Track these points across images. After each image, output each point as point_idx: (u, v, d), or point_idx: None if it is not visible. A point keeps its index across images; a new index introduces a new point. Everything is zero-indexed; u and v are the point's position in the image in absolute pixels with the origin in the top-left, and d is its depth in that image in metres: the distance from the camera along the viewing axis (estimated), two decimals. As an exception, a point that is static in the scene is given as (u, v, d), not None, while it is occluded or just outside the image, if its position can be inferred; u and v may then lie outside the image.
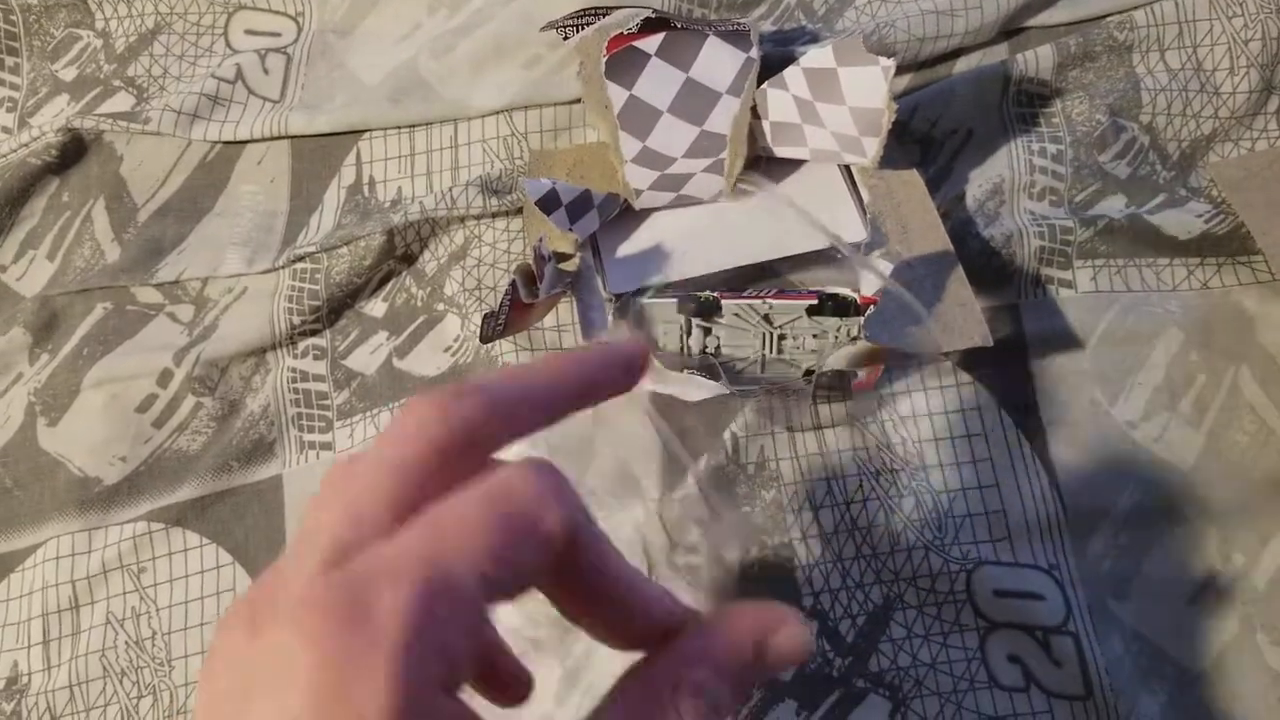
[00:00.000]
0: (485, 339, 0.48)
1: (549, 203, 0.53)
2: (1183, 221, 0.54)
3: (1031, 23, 0.60)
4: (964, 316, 0.49)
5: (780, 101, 0.53)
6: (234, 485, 0.55)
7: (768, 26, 0.62)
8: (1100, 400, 0.52)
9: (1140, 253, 0.54)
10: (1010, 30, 0.60)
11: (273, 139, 0.63)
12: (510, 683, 0.25)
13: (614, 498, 0.52)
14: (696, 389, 0.49)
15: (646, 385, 0.50)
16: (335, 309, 0.58)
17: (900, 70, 0.59)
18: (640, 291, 0.54)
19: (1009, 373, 0.53)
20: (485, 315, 0.47)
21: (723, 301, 0.53)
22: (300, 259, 0.58)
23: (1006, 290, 0.54)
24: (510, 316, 0.49)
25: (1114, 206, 0.56)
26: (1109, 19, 0.58)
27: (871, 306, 0.48)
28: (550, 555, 0.20)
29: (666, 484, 0.52)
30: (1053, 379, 0.53)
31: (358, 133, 0.62)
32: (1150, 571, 0.48)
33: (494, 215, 0.59)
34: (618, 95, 0.56)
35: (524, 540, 0.19)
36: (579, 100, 0.60)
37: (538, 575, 0.20)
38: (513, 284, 0.48)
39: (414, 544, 0.18)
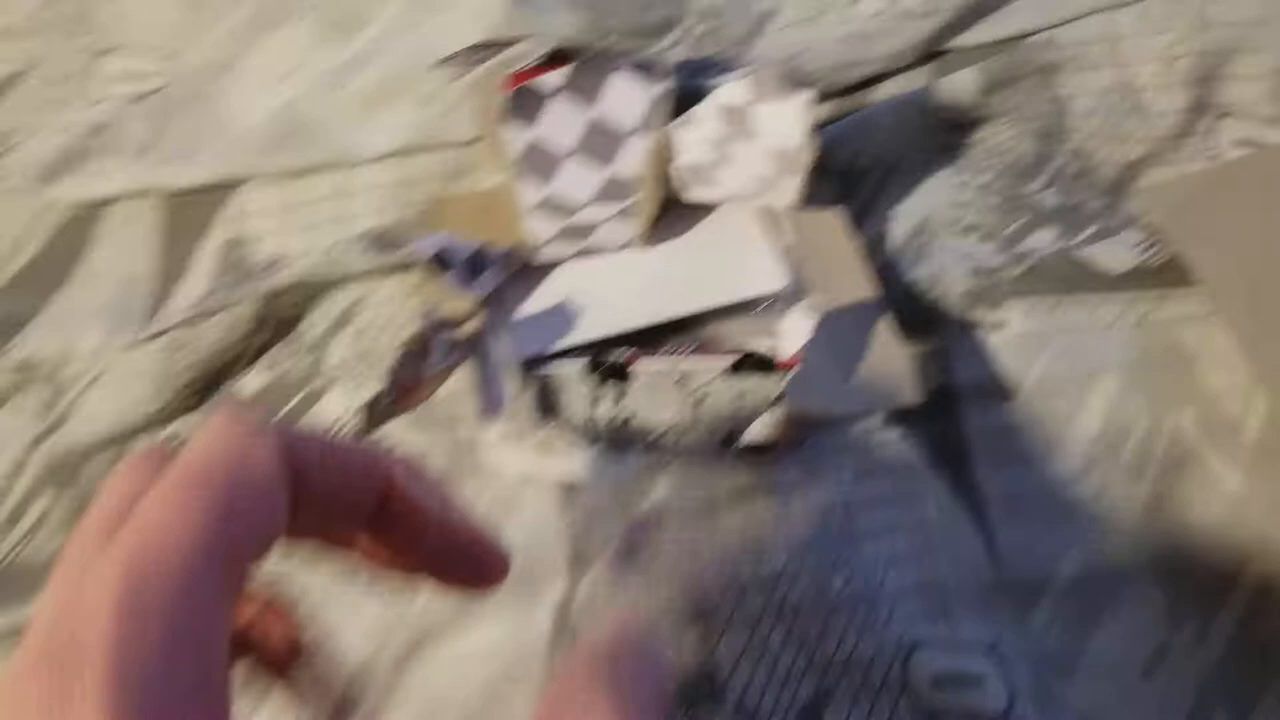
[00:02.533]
0: (370, 427, 0.43)
1: (442, 260, 0.48)
2: (1116, 254, 0.51)
3: (954, 43, 0.56)
4: (893, 371, 0.46)
5: (691, 141, 0.49)
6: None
7: (677, 56, 0.57)
8: (1036, 454, 0.49)
9: (1073, 288, 0.51)
10: (932, 53, 0.56)
11: (139, 194, 0.57)
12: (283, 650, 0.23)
13: (515, 596, 0.47)
14: (605, 469, 0.44)
15: (552, 469, 0.46)
16: (207, 385, 0.53)
17: (819, 99, 0.55)
18: (545, 357, 0.50)
19: (939, 426, 0.49)
20: (368, 402, 0.42)
21: (633, 365, 0.49)
22: (166, 332, 0.53)
23: (934, 335, 0.50)
24: (398, 397, 0.44)
25: (1044, 240, 0.52)
26: (1033, 39, 0.55)
27: (793, 370, 0.44)
28: (279, 509, 0.19)
29: (575, 573, 0.48)
30: (986, 431, 0.49)
31: (233, 184, 0.56)
32: (1098, 645, 0.45)
33: (385, 273, 0.53)
34: (517, 138, 0.51)
35: (231, 510, 0.18)
36: (478, 139, 0.55)
37: (276, 527, 0.19)
38: (399, 359, 0.43)
39: (114, 555, 0.17)
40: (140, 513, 0.18)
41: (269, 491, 0.19)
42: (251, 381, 0.53)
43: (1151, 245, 0.51)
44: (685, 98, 0.52)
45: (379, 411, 0.43)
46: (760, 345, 0.49)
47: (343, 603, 0.47)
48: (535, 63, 0.51)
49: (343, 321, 0.53)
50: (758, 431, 0.45)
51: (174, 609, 0.16)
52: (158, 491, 0.18)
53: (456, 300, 0.49)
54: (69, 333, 0.54)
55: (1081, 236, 0.52)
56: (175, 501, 0.18)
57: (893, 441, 0.49)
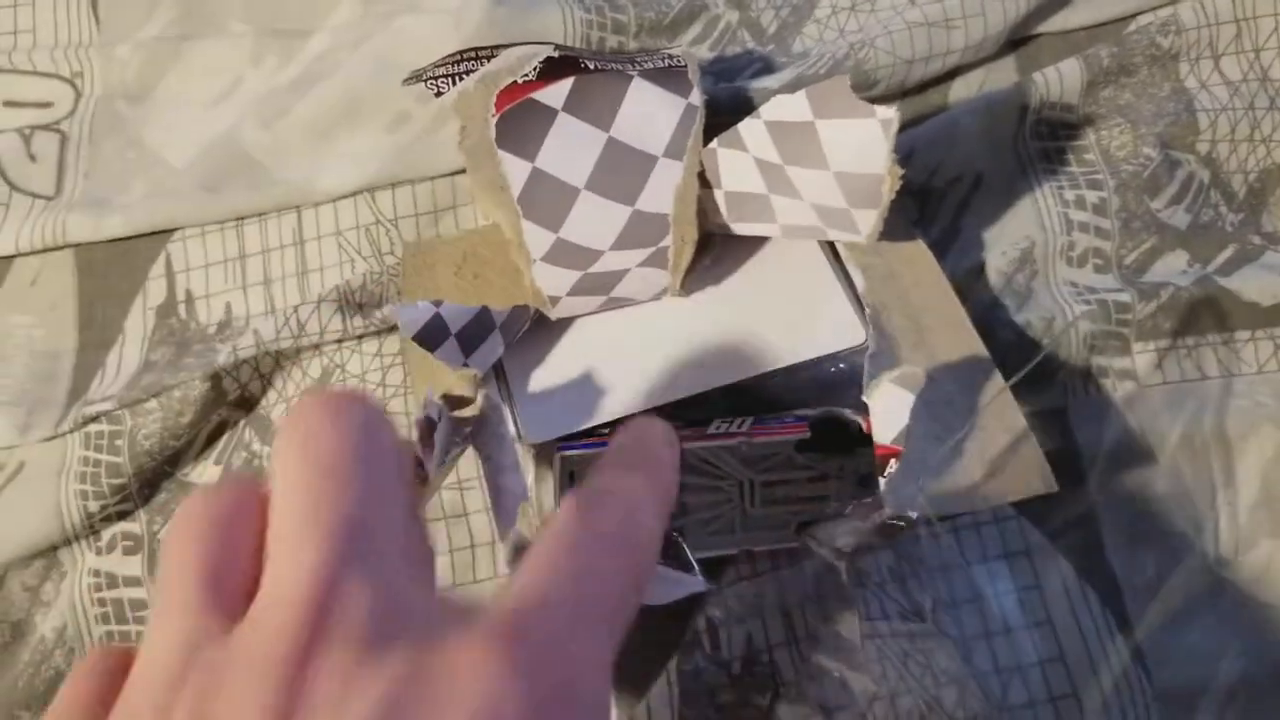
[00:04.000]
0: None
1: (433, 333, 0.40)
2: (1263, 281, 0.45)
3: (1043, 28, 0.49)
4: (1014, 450, 0.39)
5: (737, 165, 0.41)
6: (28, 743, 0.43)
7: (705, 53, 0.50)
8: (1184, 530, 0.42)
9: (1215, 326, 0.45)
10: (1016, 40, 0.49)
11: (49, 250, 0.49)
12: None
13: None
14: (661, 586, 0.37)
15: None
16: (149, 481, 0.46)
17: (882, 100, 0.47)
18: (568, 439, 0.42)
19: (1063, 500, 0.43)
20: None
21: (682, 445, 0.41)
22: (93, 419, 0.45)
23: (1049, 391, 0.44)
24: None
25: (1174, 267, 0.46)
26: (1145, 20, 0.48)
27: (890, 464, 0.36)
28: None
29: (623, 697, 0.41)
30: (1120, 505, 0.43)
31: (166, 233, 0.49)
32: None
33: (360, 337, 0.45)
34: (516, 171, 0.43)
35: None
36: (465, 170, 0.47)
37: None
38: None
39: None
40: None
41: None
42: (205, 475, 0.46)
43: (1305, 268, 0.44)
44: (721, 105, 0.45)
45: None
46: (837, 410, 0.42)
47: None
48: (531, 74, 0.43)
49: (316, 395, 0.45)
50: (850, 539, 0.37)
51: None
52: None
53: (453, 377, 0.40)
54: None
55: (1218, 261, 0.46)
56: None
57: (1006, 518, 0.43)
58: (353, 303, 0.46)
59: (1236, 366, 0.44)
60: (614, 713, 0.41)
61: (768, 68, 0.49)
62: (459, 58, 0.45)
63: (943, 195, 0.47)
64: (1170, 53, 0.47)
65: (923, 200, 0.47)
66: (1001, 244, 0.46)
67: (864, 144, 0.38)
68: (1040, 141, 0.47)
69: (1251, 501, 0.43)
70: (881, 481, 0.39)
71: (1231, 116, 0.47)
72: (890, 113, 0.37)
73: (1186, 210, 0.46)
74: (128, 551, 0.45)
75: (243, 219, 0.49)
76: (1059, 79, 0.47)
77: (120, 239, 0.49)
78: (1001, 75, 0.49)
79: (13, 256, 0.49)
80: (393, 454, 0.20)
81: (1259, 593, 0.42)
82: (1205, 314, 0.44)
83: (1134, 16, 0.49)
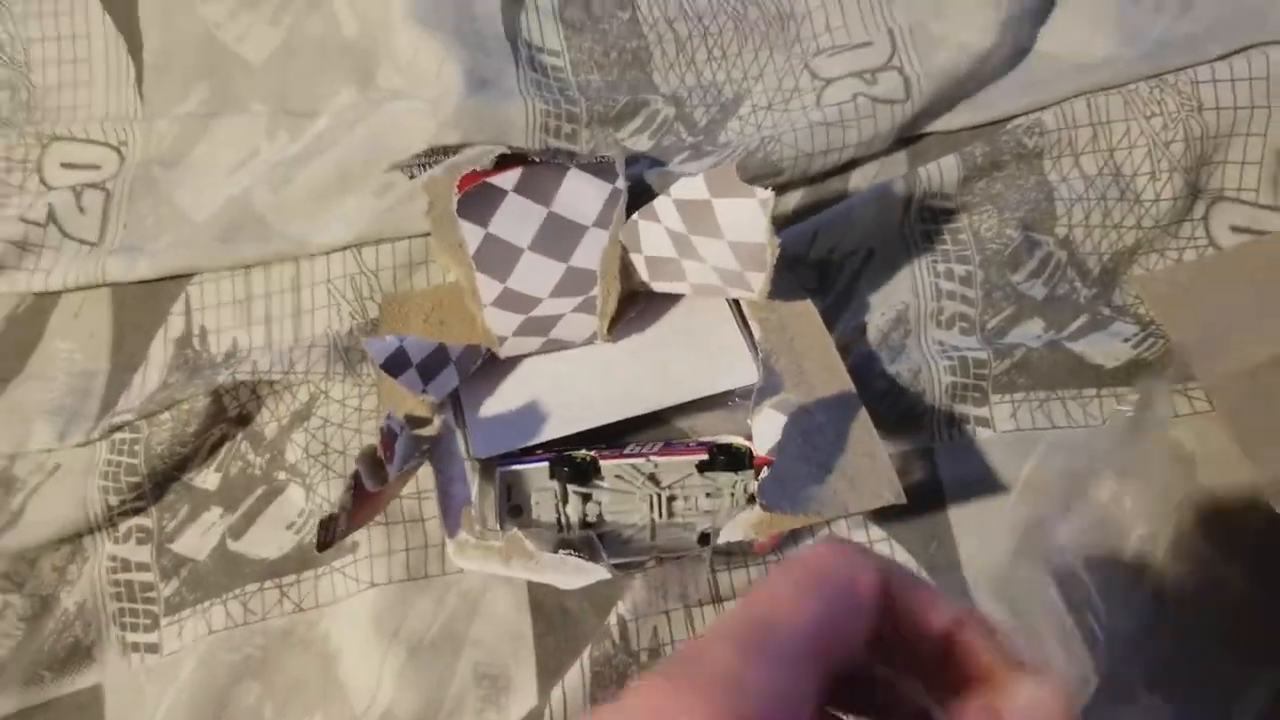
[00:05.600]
0: (323, 546, 0.45)
1: (397, 363, 0.52)
2: (1108, 346, 0.54)
3: (930, 128, 0.60)
4: (872, 470, 0.49)
5: (653, 234, 0.52)
6: (48, 698, 0.53)
7: (645, 141, 0.61)
8: (1027, 553, 0.51)
9: (1063, 383, 0.54)
10: (908, 137, 0.60)
11: (91, 287, 0.61)
12: None
13: (482, 703, 0.51)
14: (574, 574, 0.47)
15: (518, 573, 0.48)
16: (160, 483, 0.57)
17: (789, 187, 0.59)
18: (506, 457, 0.52)
19: (927, 527, 0.52)
20: (321, 521, 0.45)
21: (601, 462, 0.52)
22: (118, 428, 0.56)
23: (918, 433, 0.54)
24: (354, 511, 0.47)
25: (1030, 332, 0.55)
26: (1015, 123, 0.59)
27: (765, 468, 0.47)
28: (870, 616, 0.24)
29: (544, 682, 0.50)
30: (976, 532, 0.52)
31: (186, 276, 0.61)
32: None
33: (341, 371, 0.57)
34: (472, 234, 0.55)
35: (841, 605, 0.23)
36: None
37: (860, 637, 0.24)
38: (355, 476, 0.46)
39: (741, 608, 0.23)
40: (763, 588, 0.24)
41: (864, 612, 0.24)
42: (208, 479, 0.57)
43: (1145, 338, 0.54)
44: (645, 190, 0.56)
45: (331, 535, 0.46)
46: (733, 439, 0.52)
47: None
48: (488, 165, 0.55)
49: (300, 417, 0.56)
50: (732, 533, 0.47)
51: (777, 663, 0.22)
52: (780, 580, 0.24)
53: (414, 401, 0.51)
54: (19, 430, 0.58)
55: (1071, 328, 0.56)
56: (793, 595, 0.23)
57: (877, 540, 0.52)
58: (339, 348, 0.57)
59: (1082, 418, 0.54)
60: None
61: (696, 155, 0.60)
62: (429, 153, 0.57)
63: (840, 267, 0.57)
64: (1035, 151, 0.58)
65: (823, 271, 0.57)
66: (882, 307, 0.56)
67: (749, 219, 0.49)
68: (923, 224, 0.58)
69: (1088, 537, 0.51)
70: (755, 484, 0.49)
71: (1086, 205, 0.57)
72: (766, 193, 0.48)
73: (1044, 284, 0.57)
74: (140, 541, 0.55)
75: (249, 267, 0.60)
76: (939, 172, 0.57)
77: (149, 280, 0.60)
78: (895, 168, 0.60)
79: (60, 292, 0.61)
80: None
81: (1090, 616, 0.48)
82: (1054, 371, 0.54)
83: (1009, 120, 0.59)
